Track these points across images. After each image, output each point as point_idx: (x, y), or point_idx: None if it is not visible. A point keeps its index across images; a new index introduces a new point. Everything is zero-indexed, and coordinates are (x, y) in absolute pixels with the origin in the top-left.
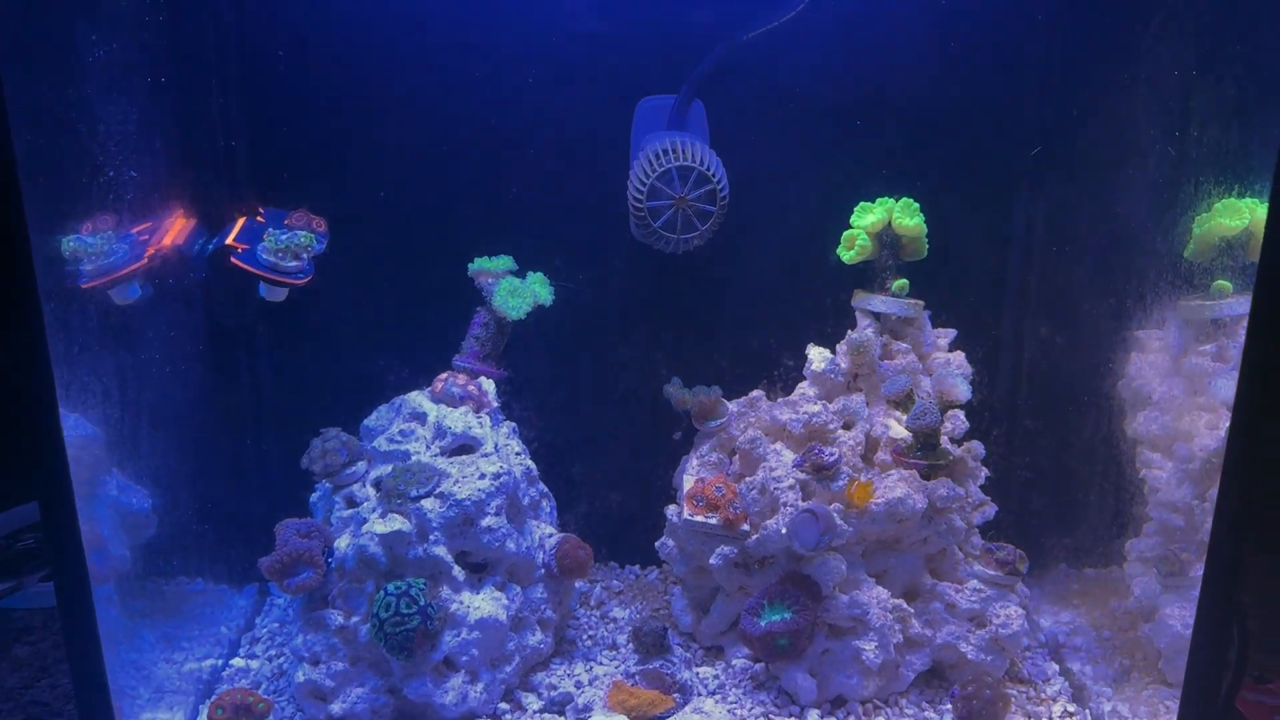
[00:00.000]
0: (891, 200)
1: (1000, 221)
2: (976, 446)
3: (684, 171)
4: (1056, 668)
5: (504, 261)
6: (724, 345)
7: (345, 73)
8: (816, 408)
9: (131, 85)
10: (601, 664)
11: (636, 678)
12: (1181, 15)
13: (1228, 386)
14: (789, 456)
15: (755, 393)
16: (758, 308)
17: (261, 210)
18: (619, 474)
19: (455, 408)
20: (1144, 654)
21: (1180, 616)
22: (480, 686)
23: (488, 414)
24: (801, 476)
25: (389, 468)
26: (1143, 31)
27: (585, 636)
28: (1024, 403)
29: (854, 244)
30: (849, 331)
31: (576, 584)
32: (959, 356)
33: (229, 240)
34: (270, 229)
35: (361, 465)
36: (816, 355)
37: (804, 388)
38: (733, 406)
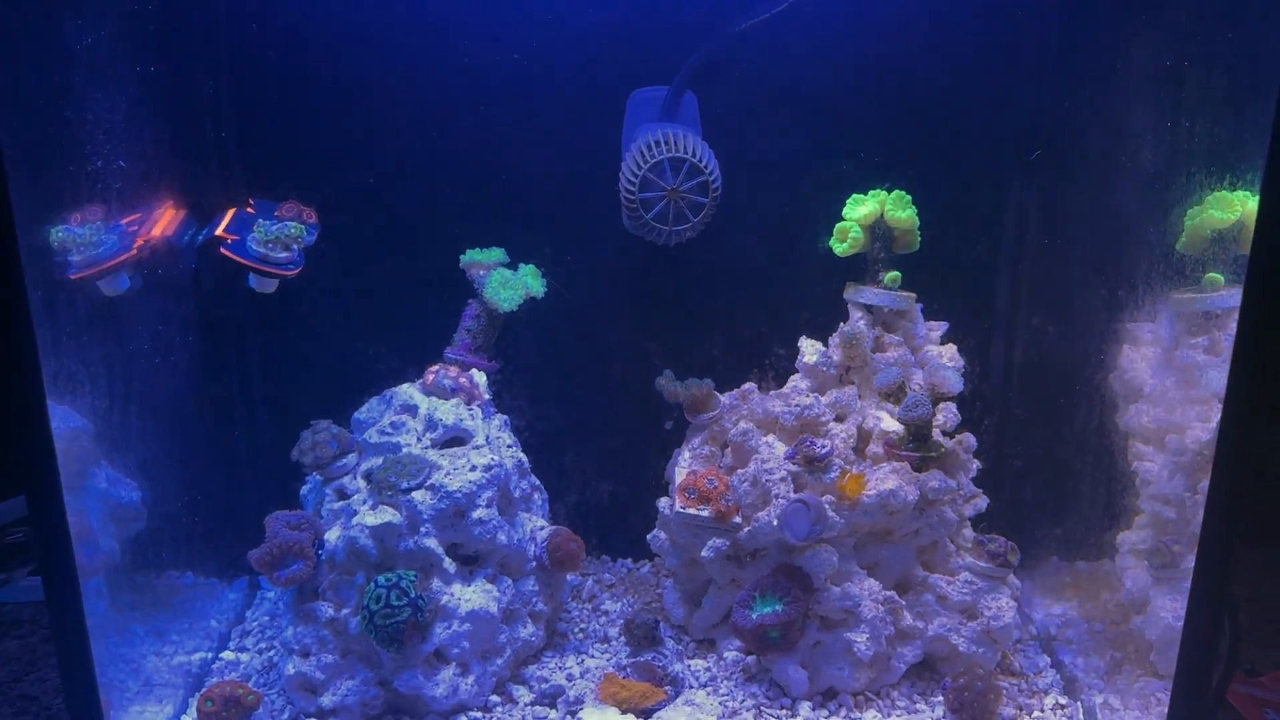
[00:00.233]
0: (884, 192)
1: (992, 214)
2: (968, 439)
3: (676, 163)
4: (1048, 660)
5: (496, 254)
6: (716, 335)
7: (336, 63)
8: (809, 400)
9: (120, 74)
10: (593, 657)
11: (628, 670)
12: (1173, 5)
13: (1219, 379)
14: (781, 449)
15: (747, 385)
16: (750, 298)
17: (251, 201)
18: (610, 464)
19: (446, 400)
20: (1135, 646)
21: (1172, 609)
22: (471, 679)
23: (479, 406)
24: (793, 468)
25: (380, 460)
26: (1134, 22)
27: (577, 629)
28: (1016, 395)
29: (846, 236)
30: (841, 324)
31: (568, 577)
32: (951, 349)
33: (219, 231)
34: (260, 220)
35: (352, 458)
36: (809, 348)
37: (796, 380)
38: (725, 399)
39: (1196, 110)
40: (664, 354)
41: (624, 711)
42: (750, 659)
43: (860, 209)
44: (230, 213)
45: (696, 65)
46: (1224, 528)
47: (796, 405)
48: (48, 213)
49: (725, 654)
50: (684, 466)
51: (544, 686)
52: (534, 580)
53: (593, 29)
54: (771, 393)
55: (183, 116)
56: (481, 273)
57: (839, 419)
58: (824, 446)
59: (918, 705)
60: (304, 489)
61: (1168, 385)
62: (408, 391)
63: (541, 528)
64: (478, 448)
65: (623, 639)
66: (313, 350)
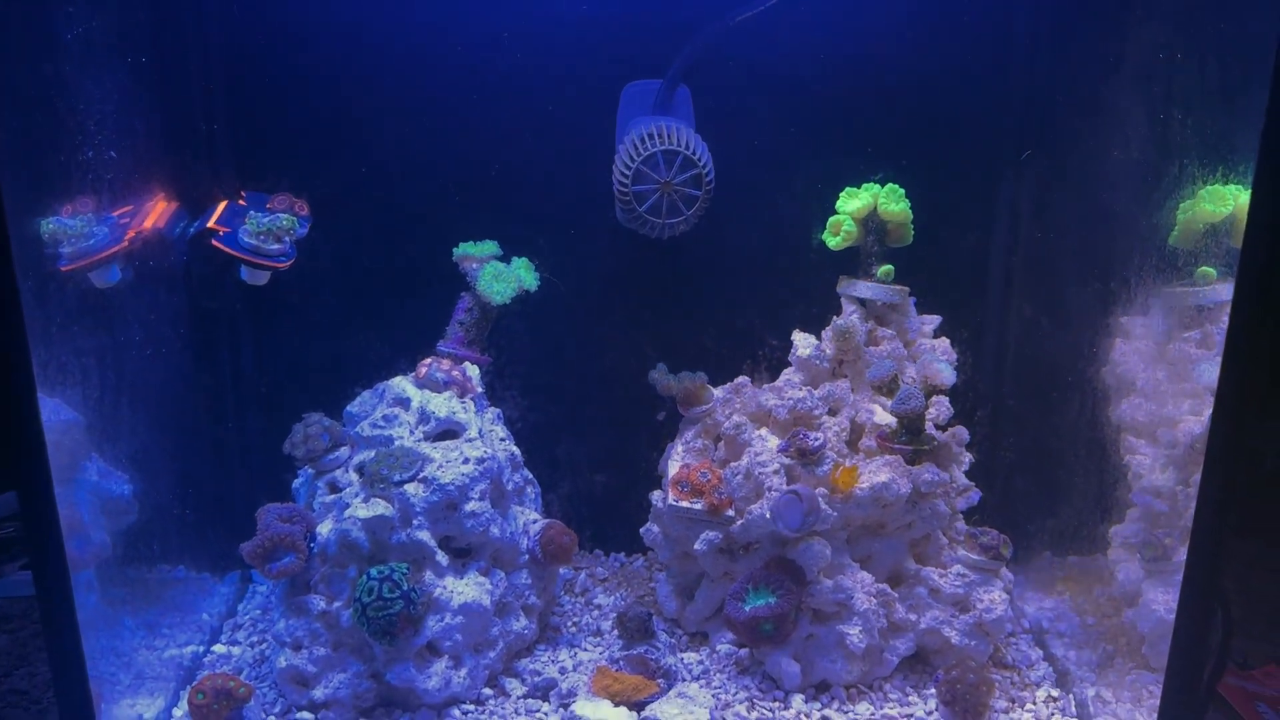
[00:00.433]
0: (877, 186)
1: (985, 208)
2: (961, 432)
3: (669, 156)
4: (1040, 653)
5: (489, 246)
6: (709, 327)
7: (328, 55)
8: (802, 393)
9: (112, 65)
10: (586, 650)
11: (621, 663)
12: None
13: (1211, 372)
14: (774, 442)
15: (741, 379)
16: (743, 290)
17: (243, 193)
18: (604, 457)
19: (439, 393)
20: (1127, 639)
21: (1163, 601)
22: (464, 672)
23: (472, 399)
24: (786, 461)
25: (372, 453)
26: (1127, 14)
27: (570, 623)
28: (1008, 389)
29: (839, 230)
30: (834, 318)
31: (561, 570)
32: (944, 342)
33: (210, 223)
34: (252, 212)
35: (344, 450)
36: (802, 341)
37: (789, 374)
38: (718, 392)
39: (1189, 103)
40: (657, 346)
41: (617, 704)
42: (743, 652)
43: (853, 202)
44: (222, 205)
45: (690, 58)
46: (1215, 521)
47: (790, 399)
48: (38, 204)
49: (718, 647)
50: (677, 460)
51: (537, 679)
52: (527, 573)
53: (587, 22)
54: (765, 386)
55: (174, 108)
56: (474, 266)
57: (832, 412)
58: (817, 439)
59: (910, 698)
60: (296, 482)
61: (1159, 379)
62: (400, 384)
63: (534, 521)
64: (470, 441)
65: (615, 632)
66: (305, 343)
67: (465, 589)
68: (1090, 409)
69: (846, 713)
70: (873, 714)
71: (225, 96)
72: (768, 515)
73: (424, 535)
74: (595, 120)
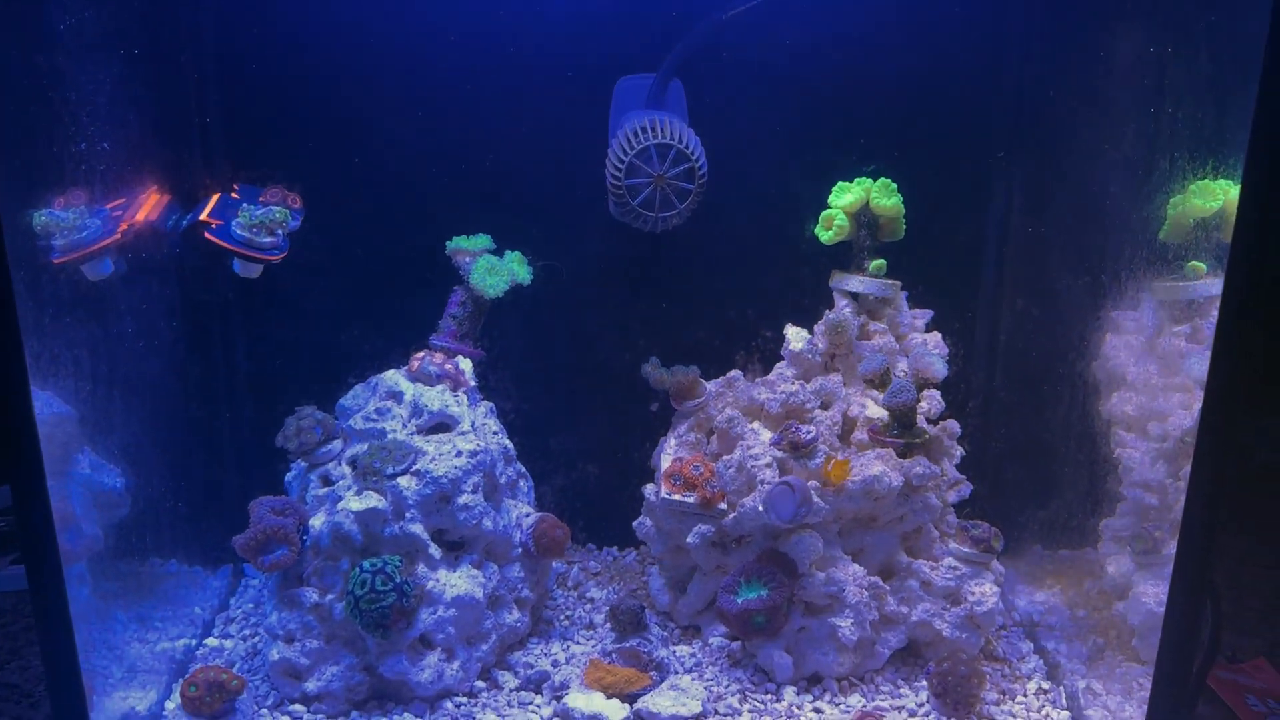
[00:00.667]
0: (869, 180)
1: (977, 202)
2: (952, 425)
3: (662, 149)
4: (1031, 646)
5: (482, 240)
6: (702, 320)
7: (321, 48)
8: (794, 387)
9: (105, 57)
10: (578, 643)
11: (614, 656)
12: None
13: (1201, 366)
14: (766, 435)
15: (733, 372)
16: (736, 283)
17: (236, 186)
18: (596, 447)
19: (432, 386)
20: (1117, 632)
21: (1154, 594)
22: (456, 664)
23: (465, 393)
24: (779, 455)
25: (365, 446)
26: (1118, 8)
27: (562, 616)
28: (999, 383)
29: (832, 224)
30: (826, 311)
31: (554, 564)
32: (935, 336)
33: (203, 216)
34: (245, 205)
35: (337, 444)
36: (794, 335)
37: (782, 368)
38: (711, 386)
39: (1180, 98)
40: (650, 339)
41: (609, 697)
42: (735, 644)
43: (845, 197)
44: (214, 197)
45: (684, 53)
46: (1206, 514)
47: (782, 392)
48: (31, 196)
49: (710, 640)
50: (669, 453)
51: (529, 672)
52: (519, 566)
53: (580, 15)
54: (757, 380)
55: (167, 100)
56: (467, 259)
57: (824, 406)
58: (809, 433)
59: (902, 690)
60: (288, 475)
61: (1150, 372)
62: (393, 378)
63: (527, 514)
64: (463, 434)
65: (608, 625)
66: (297, 336)
67: (458, 582)
68: (1081, 403)
69: (838, 704)
70: (864, 706)
71: (218, 89)
72: (760, 507)
73: (417, 528)
74: (589, 114)
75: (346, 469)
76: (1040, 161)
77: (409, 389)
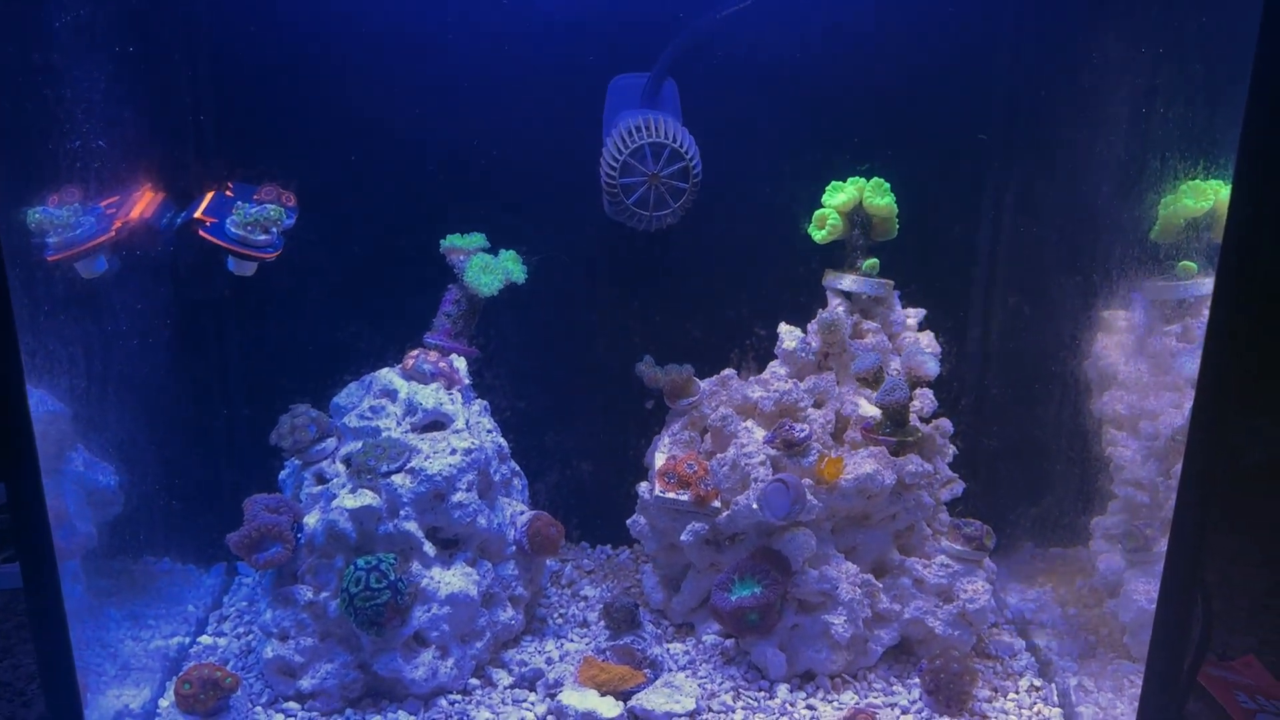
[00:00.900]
0: (862, 179)
1: (969, 202)
2: (945, 424)
3: (657, 148)
4: (1023, 643)
5: (476, 239)
6: (697, 318)
7: (315, 45)
8: (788, 385)
9: (100, 54)
10: (572, 641)
11: (607, 653)
12: None
13: (1192, 365)
14: (760, 434)
15: (727, 371)
16: (730, 281)
17: (230, 184)
18: (591, 445)
19: (426, 384)
20: (1109, 630)
21: (1145, 592)
22: (451, 662)
23: (459, 391)
24: (772, 453)
25: (359, 444)
26: (1110, 8)
27: (556, 614)
28: (992, 382)
29: (825, 223)
30: (820, 310)
31: (547, 562)
32: (928, 335)
33: (197, 214)
34: (239, 203)
35: (331, 442)
36: (787, 334)
37: (775, 366)
38: (704, 385)
39: (1171, 98)
40: (645, 337)
41: (604, 694)
42: (729, 642)
43: (839, 196)
44: (209, 195)
45: (677, 52)
46: (1196, 513)
47: (776, 391)
48: (25, 194)
49: (704, 637)
50: (663, 451)
51: (523, 670)
52: (514, 564)
53: (575, 13)
54: (751, 378)
55: (161, 97)
56: (461, 258)
57: (817, 404)
58: (803, 431)
59: (894, 687)
60: (282, 473)
61: (1141, 371)
62: (387, 376)
63: (521, 512)
64: (457, 432)
65: (602, 623)
66: (292, 334)
67: (452, 580)
68: (1073, 402)
69: (831, 701)
70: (857, 703)
71: (213, 87)
72: (754, 505)
73: (411, 526)
74: (583, 112)
75: (341, 467)
76: (1032, 161)
77: (403, 387)
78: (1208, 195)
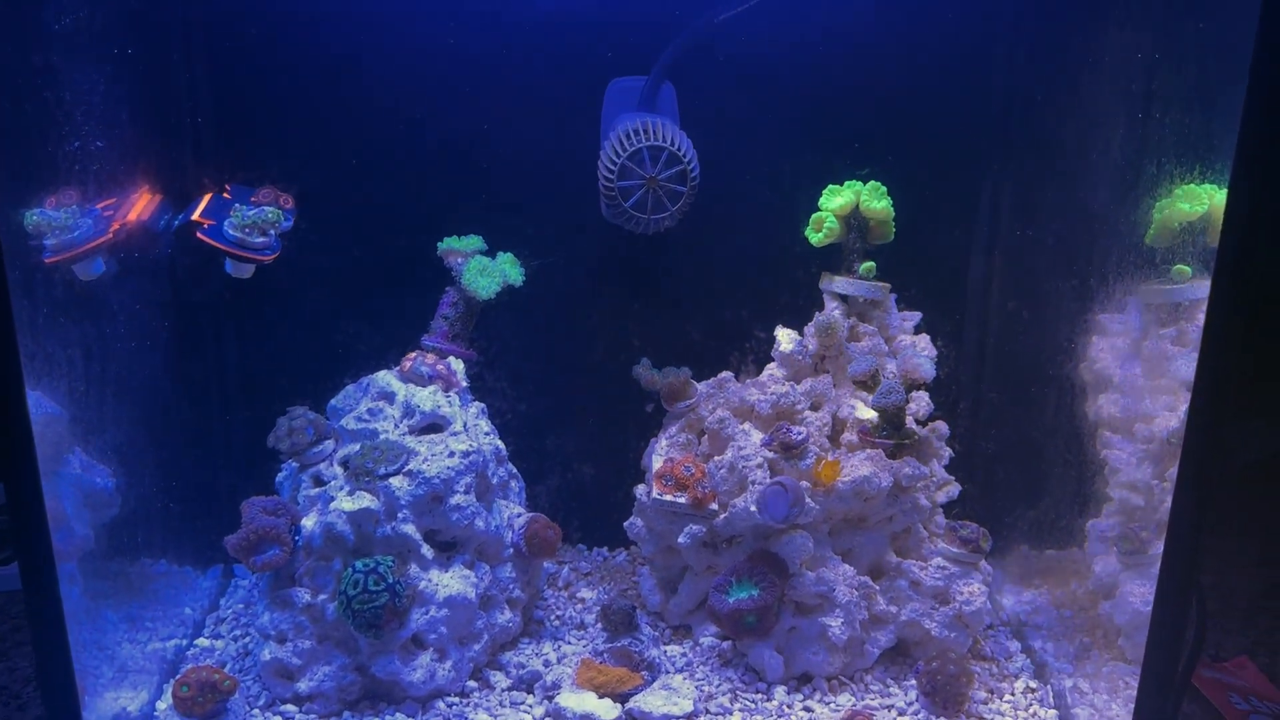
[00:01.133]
0: (860, 183)
1: (966, 206)
2: (941, 426)
3: (655, 152)
4: (1019, 645)
5: (473, 241)
6: (696, 321)
7: (314, 47)
8: (784, 388)
9: (98, 56)
10: (570, 643)
11: (605, 656)
12: None
13: (1187, 369)
14: (757, 436)
15: (724, 374)
16: (729, 284)
17: (228, 186)
18: (591, 447)
19: (424, 387)
20: (1104, 632)
21: (1140, 594)
22: (448, 664)
23: (457, 393)
24: (770, 455)
25: (357, 446)
26: (1107, 14)
27: (553, 616)
28: (988, 385)
29: (822, 226)
30: (816, 313)
31: (545, 564)
32: (924, 338)
33: (195, 216)
34: (237, 205)
35: (329, 444)
36: (784, 337)
37: (772, 369)
38: (701, 387)
39: (1167, 103)
40: (645, 340)
41: (601, 696)
42: (726, 644)
43: (836, 199)
44: (207, 197)
45: (675, 55)
46: (1191, 515)
47: (773, 393)
48: (22, 196)
49: (701, 639)
50: (661, 454)
51: (521, 672)
52: (511, 567)
53: (572, 16)
54: (748, 381)
55: (159, 100)
56: (459, 260)
57: (814, 407)
58: (800, 433)
59: (891, 689)
60: (279, 476)
61: (1136, 375)
62: (385, 378)
63: (519, 515)
64: (455, 434)
65: (599, 625)
66: (289, 336)
67: (450, 582)
68: (1068, 405)
69: (828, 703)
70: (854, 705)
71: (210, 89)
72: (753, 507)
73: (409, 528)
74: (581, 115)
75: (338, 469)
76: (1029, 165)
77: (401, 390)
78: (1202, 200)
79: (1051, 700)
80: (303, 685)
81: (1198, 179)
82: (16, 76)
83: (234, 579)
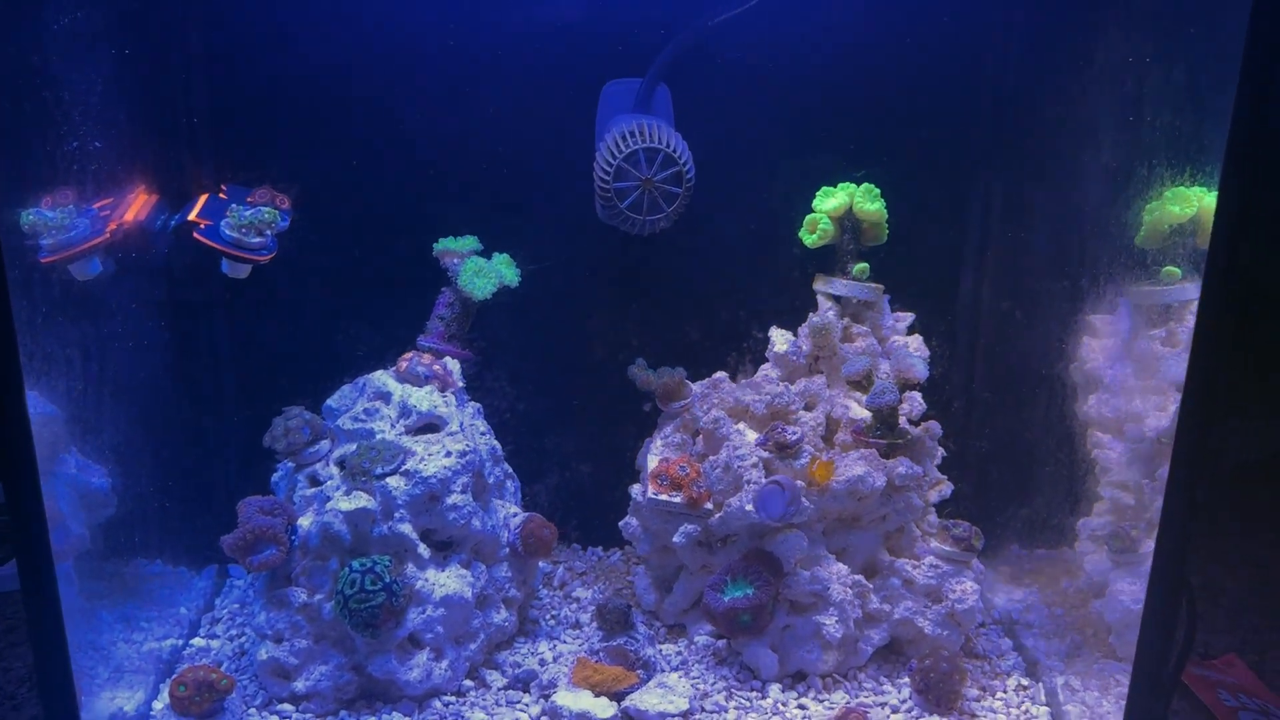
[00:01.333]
0: (853, 185)
1: (958, 207)
2: (934, 426)
3: (650, 153)
4: (1010, 643)
5: (469, 242)
6: (693, 322)
7: (310, 49)
8: (779, 389)
9: (95, 57)
10: (565, 642)
11: (601, 654)
12: (1136, 1)
13: (1177, 369)
14: (752, 436)
15: (718, 374)
16: (725, 285)
17: (224, 186)
18: (589, 447)
19: (420, 387)
20: (1094, 630)
21: (1131, 592)
22: (445, 664)
23: (453, 393)
24: (764, 455)
25: (353, 446)
26: (1098, 18)
27: (549, 616)
28: (980, 385)
29: (816, 228)
30: (810, 314)
31: (540, 564)
32: (917, 339)
33: (191, 216)
34: (233, 205)
35: (325, 444)
36: (779, 337)
37: (767, 369)
38: (696, 387)
39: (1158, 106)
40: (643, 340)
41: (597, 694)
42: (721, 643)
43: (829, 201)
44: (203, 198)
45: (670, 58)
46: (1181, 514)
47: (767, 393)
48: (19, 195)
49: (696, 638)
50: (656, 454)
51: (517, 671)
52: (507, 566)
53: (568, 19)
54: (742, 381)
55: (156, 100)
56: (455, 261)
57: (808, 407)
58: (794, 433)
59: (884, 686)
60: (275, 475)
61: (1127, 375)
62: (381, 378)
63: (514, 514)
64: (452, 434)
65: (594, 624)
66: (286, 336)
67: (446, 581)
68: (1059, 405)
69: (822, 701)
70: (848, 702)
71: (207, 89)
72: (749, 505)
73: (405, 528)
74: (577, 117)
75: (334, 469)
76: (1021, 167)
77: (397, 390)
78: (1192, 202)
79: (1043, 697)
80: (299, 684)
81: (1187, 181)
82: (14, 76)
83: (229, 578)
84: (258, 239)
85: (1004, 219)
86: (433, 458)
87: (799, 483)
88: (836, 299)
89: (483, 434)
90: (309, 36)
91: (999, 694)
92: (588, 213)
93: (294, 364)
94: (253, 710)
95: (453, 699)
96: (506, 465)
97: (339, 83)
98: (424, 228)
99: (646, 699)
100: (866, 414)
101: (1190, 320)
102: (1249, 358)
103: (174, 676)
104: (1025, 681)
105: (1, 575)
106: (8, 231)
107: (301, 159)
